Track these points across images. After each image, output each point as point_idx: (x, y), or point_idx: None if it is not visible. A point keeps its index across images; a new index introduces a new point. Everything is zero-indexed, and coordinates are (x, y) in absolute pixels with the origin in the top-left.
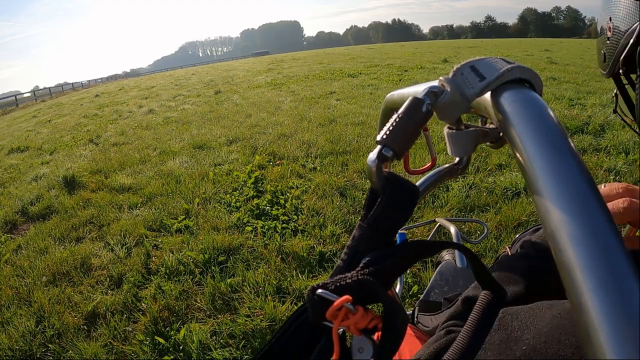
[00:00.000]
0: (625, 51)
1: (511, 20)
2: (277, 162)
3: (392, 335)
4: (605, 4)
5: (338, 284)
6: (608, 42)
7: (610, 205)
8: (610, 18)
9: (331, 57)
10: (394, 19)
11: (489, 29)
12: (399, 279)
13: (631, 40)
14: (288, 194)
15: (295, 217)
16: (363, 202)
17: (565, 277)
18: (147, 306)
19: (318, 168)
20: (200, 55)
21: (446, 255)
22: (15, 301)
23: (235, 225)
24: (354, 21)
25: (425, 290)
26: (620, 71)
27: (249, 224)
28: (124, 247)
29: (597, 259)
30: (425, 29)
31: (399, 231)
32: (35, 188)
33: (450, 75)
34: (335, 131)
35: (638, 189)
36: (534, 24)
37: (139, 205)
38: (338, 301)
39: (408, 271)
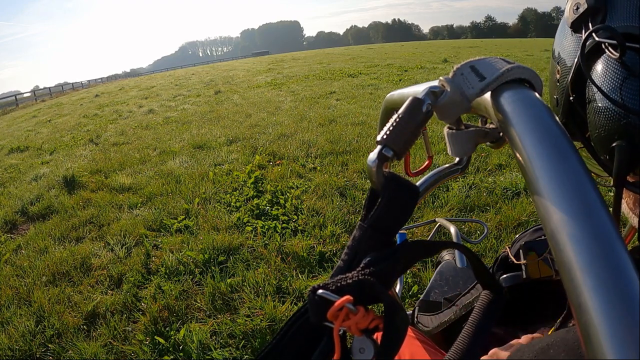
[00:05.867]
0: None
1: (511, 20)
2: (277, 162)
3: (393, 335)
4: (555, 49)
5: (339, 284)
6: (558, 84)
7: None
8: (558, 62)
9: (331, 57)
10: (394, 19)
11: (489, 29)
12: (399, 279)
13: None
14: (288, 194)
15: (295, 217)
16: (363, 202)
17: (565, 277)
18: (147, 306)
19: (318, 168)
20: (200, 55)
21: (446, 255)
22: (15, 301)
23: (235, 225)
24: (354, 21)
25: (425, 290)
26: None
27: (249, 224)
28: (124, 247)
29: (597, 259)
30: (425, 29)
31: (399, 231)
32: (35, 188)
33: (450, 75)
34: (335, 131)
35: None
36: (534, 24)
37: (139, 205)
38: (339, 301)
39: (408, 271)
